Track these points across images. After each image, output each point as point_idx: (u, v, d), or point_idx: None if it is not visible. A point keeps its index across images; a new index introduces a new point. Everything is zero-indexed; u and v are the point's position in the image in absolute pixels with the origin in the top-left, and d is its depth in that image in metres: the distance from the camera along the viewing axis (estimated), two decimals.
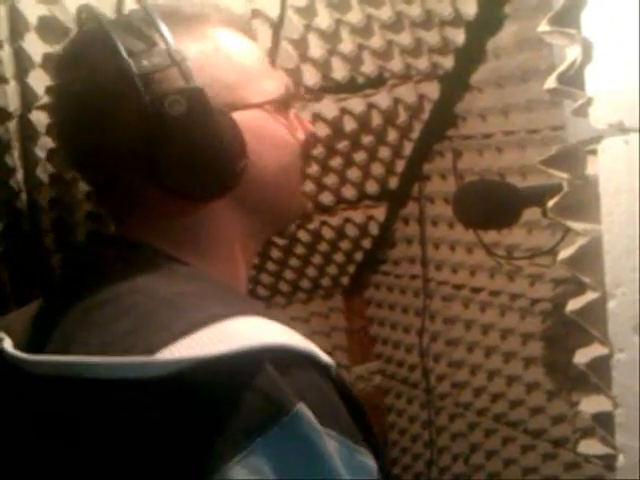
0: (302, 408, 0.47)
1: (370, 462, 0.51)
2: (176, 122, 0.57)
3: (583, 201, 0.62)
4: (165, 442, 0.47)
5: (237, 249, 0.66)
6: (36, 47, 0.91)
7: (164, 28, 0.60)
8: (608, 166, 0.57)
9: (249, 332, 0.50)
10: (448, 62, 1.19)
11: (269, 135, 0.65)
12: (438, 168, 1.37)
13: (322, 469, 0.46)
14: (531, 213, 0.95)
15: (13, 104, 0.94)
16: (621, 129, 0.55)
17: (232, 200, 0.63)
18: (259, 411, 0.46)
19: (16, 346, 0.57)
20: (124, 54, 0.57)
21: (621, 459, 0.65)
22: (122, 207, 0.66)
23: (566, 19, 0.60)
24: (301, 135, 0.71)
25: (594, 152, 0.60)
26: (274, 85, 0.67)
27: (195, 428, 0.47)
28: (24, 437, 0.56)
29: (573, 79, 0.59)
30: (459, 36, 1.14)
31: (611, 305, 0.61)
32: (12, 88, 0.93)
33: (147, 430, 0.48)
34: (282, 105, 0.67)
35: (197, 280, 0.60)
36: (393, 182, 1.40)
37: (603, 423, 0.66)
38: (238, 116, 0.62)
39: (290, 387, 0.48)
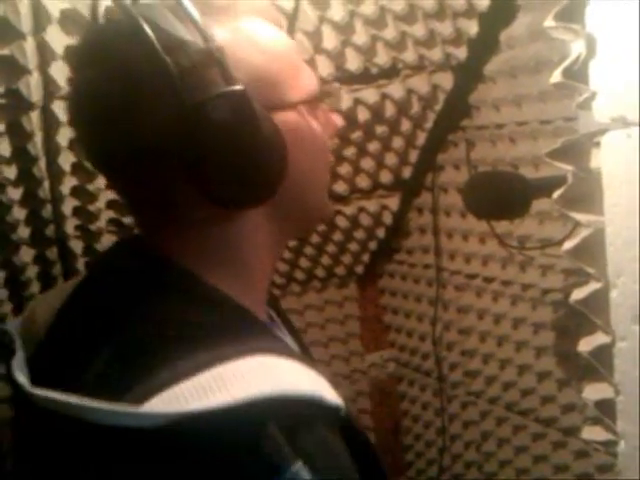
0: (300, 470, 0.45)
1: None
2: (219, 126, 0.53)
3: (587, 193, 0.63)
4: None
5: (264, 258, 0.62)
6: (58, 39, 0.94)
7: (200, 20, 0.53)
8: (610, 159, 0.58)
9: (253, 378, 0.47)
10: (461, 53, 1.20)
11: (307, 137, 0.60)
12: (452, 158, 1.38)
13: None
14: (543, 204, 0.96)
15: (36, 95, 0.97)
16: (623, 123, 0.56)
17: (266, 207, 0.58)
18: (257, 475, 0.45)
19: (34, 356, 0.57)
20: (161, 51, 0.51)
21: (622, 445, 0.66)
22: (152, 214, 0.60)
23: (571, 14, 0.61)
24: (331, 131, 0.66)
25: (598, 145, 0.61)
26: (310, 80, 0.62)
27: None
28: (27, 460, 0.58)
29: (578, 73, 0.60)
30: (472, 27, 1.15)
31: (613, 295, 0.62)
32: (35, 79, 0.96)
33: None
34: (316, 101, 0.62)
35: (215, 307, 0.56)
36: (407, 172, 1.41)
37: (606, 410, 0.68)
38: (278, 117, 0.57)
39: (292, 448, 0.45)
